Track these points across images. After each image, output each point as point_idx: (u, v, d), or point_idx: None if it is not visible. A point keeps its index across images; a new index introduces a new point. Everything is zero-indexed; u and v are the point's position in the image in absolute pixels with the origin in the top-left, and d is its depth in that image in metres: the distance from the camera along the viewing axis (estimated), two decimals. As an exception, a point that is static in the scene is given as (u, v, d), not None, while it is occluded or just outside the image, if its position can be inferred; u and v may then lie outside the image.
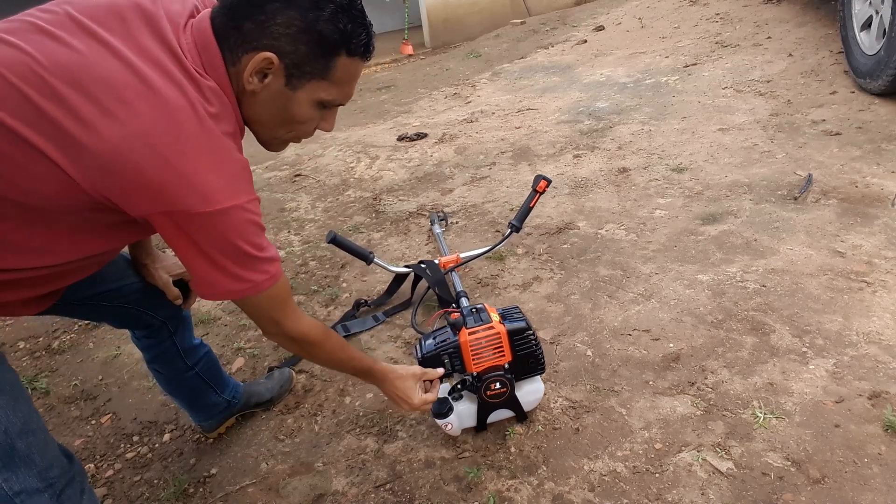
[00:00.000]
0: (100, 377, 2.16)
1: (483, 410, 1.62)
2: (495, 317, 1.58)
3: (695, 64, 4.36)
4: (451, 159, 3.57)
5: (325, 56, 0.98)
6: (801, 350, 1.79)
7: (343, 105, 1.09)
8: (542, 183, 2.05)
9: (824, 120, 3.15)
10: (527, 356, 1.57)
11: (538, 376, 1.64)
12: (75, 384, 2.14)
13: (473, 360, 1.54)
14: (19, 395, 1.00)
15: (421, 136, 3.98)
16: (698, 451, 1.53)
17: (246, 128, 1.08)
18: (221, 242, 0.96)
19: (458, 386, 1.60)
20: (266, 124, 1.06)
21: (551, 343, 1.97)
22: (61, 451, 1.05)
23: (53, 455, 1.02)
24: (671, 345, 1.89)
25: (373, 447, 1.70)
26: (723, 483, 1.44)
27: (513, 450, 1.61)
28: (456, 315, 1.60)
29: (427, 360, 1.55)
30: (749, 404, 1.64)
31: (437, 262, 2.26)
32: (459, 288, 2.08)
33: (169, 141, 0.88)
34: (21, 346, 2.40)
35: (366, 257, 2.18)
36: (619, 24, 5.83)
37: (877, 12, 3.14)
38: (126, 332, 2.33)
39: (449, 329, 1.58)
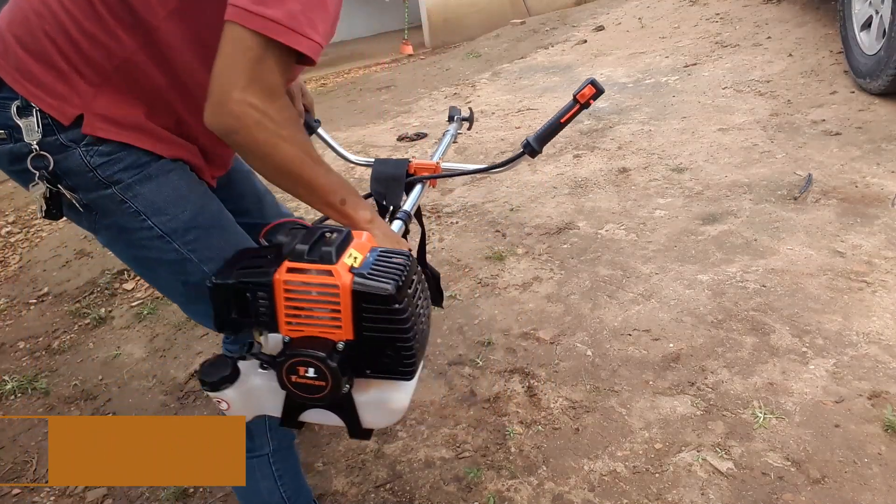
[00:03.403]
0: (100, 377, 2.16)
1: (292, 401, 1.01)
2: (351, 260, 0.92)
3: (695, 64, 4.36)
4: (450, 159, 3.57)
5: None
6: (801, 350, 1.79)
7: None
8: (588, 89, 1.18)
9: (824, 120, 3.15)
10: (383, 343, 0.92)
11: (407, 383, 0.98)
12: (75, 384, 2.14)
13: (286, 317, 0.93)
14: (231, 228, 1.11)
15: (421, 136, 3.98)
16: (698, 451, 1.53)
17: None
18: None
19: (255, 350, 1.00)
20: None
21: (551, 343, 1.97)
22: None
23: None
24: (671, 345, 1.89)
25: (373, 447, 1.70)
26: (723, 483, 1.44)
27: (513, 450, 1.61)
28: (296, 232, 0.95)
29: (218, 289, 0.95)
30: (749, 404, 1.64)
31: (409, 160, 1.47)
32: (408, 207, 1.33)
33: None
34: (21, 346, 2.40)
35: (310, 126, 1.61)
36: (619, 24, 5.83)
37: (877, 12, 3.14)
38: (127, 334, 2.35)
39: (268, 253, 0.97)
